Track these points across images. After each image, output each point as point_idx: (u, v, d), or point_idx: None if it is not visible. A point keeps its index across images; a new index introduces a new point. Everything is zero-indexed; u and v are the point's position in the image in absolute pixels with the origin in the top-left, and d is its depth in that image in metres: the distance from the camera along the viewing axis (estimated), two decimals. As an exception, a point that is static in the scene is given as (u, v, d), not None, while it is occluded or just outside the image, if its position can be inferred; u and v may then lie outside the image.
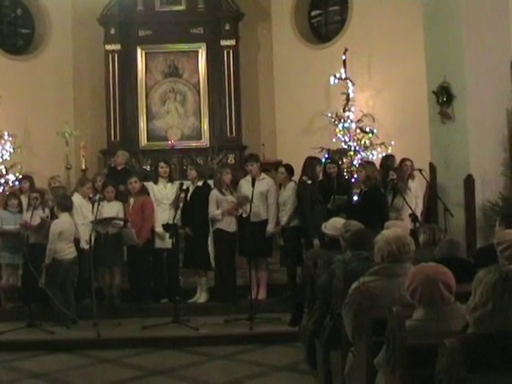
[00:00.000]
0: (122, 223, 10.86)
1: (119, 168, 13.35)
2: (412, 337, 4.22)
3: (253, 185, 10.47)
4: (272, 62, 16.89)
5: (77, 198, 10.96)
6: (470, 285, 3.66)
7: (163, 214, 11.10)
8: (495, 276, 3.52)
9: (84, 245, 10.56)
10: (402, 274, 5.02)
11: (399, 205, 10.94)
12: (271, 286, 11.16)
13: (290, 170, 11.15)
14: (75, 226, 10.61)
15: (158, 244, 11.14)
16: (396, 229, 6.20)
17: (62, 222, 10.37)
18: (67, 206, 10.50)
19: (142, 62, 16.68)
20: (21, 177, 13.29)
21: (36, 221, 10.62)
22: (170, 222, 10.58)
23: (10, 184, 14.03)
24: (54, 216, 10.75)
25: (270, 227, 10.97)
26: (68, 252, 10.36)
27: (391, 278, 5.32)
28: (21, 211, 11.07)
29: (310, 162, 11.14)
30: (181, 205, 10.86)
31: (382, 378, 4.65)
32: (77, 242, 10.62)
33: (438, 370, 3.47)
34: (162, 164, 11.58)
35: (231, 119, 16.41)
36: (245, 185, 11.11)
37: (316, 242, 10.31)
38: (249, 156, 11.76)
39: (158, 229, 11.00)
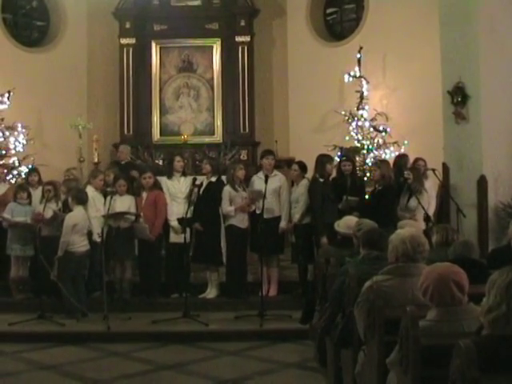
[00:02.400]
0: (133, 218, 10.87)
1: (123, 163, 13.37)
2: (425, 337, 4.21)
3: (266, 181, 10.45)
4: (286, 58, 16.87)
5: (90, 191, 10.98)
6: (484, 286, 3.65)
7: (178, 208, 11.10)
8: (508, 277, 3.52)
9: (96, 238, 10.59)
10: (416, 273, 5.00)
11: (414, 205, 10.85)
12: (282, 282, 11.15)
13: (303, 167, 11.14)
14: (88, 218, 10.65)
15: (173, 238, 11.14)
16: (410, 228, 6.18)
17: (76, 214, 10.39)
18: (83, 200, 10.53)
19: (156, 56, 16.71)
20: (29, 169, 13.31)
21: (49, 213, 10.65)
22: (185, 216, 10.58)
23: (23, 176, 14.04)
24: (66, 209, 10.77)
25: (283, 224, 10.95)
26: (81, 245, 10.39)
27: (405, 277, 5.31)
28: (30, 203, 11.10)
29: (321, 160, 11.11)
30: (195, 200, 10.85)
31: (393, 377, 4.64)
32: (89, 234, 10.65)
33: (452, 370, 3.47)
34: (178, 158, 11.56)
35: (244, 115, 16.41)
36: (257, 181, 11.10)
37: (324, 240, 10.28)
38: (268, 151, 11.68)
39: (174, 223, 11.01)
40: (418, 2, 14.58)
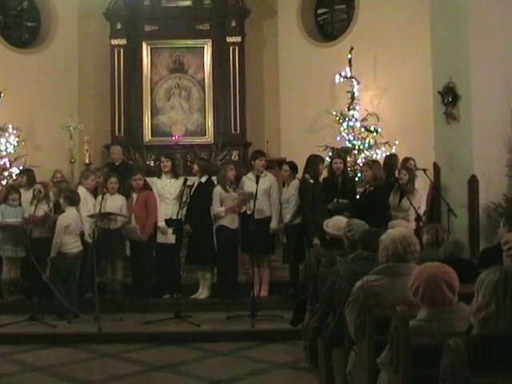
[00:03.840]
0: (126, 219, 10.84)
1: (117, 163, 13.35)
2: (415, 336, 4.22)
3: (257, 181, 10.45)
4: (277, 59, 16.88)
5: (81, 191, 10.97)
6: (474, 286, 3.66)
7: (166, 209, 11.10)
8: (496, 276, 3.55)
9: (88, 238, 10.57)
10: (407, 273, 5.01)
11: (407, 205, 10.87)
12: (273, 283, 11.15)
13: (293, 167, 11.14)
14: (80, 219, 10.63)
15: (160, 239, 11.13)
16: (401, 228, 6.19)
17: (69, 215, 10.38)
18: (75, 200, 10.50)
19: (147, 57, 16.70)
20: (20, 170, 13.32)
21: (40, 214, 10.61)
22: (174, 217, 10.57)
23: (14, 177, 14.04)
24: (57, 210, 10.75)
25: (274, 224, 10.97)
26: (73, 246, 10.37)
27: (396, 277, 5.31)
28: (21, 204, 11.07)
29: (313, 160, 11.12)
30: (188, 200, 10.87)
31: (384, 377, 4.65)
32: (81, 235, 10.62)
33: (442, 369, 3.48)
34: (162, 158, 11.60)
35: (235, 116, 16.41)
36: (247, 182, 11.10)
37: (316, 241, 10.28)
38: (260, 152, 11.70)
39: (161, 223, 11.00)
40: (409, 2, 14.61)
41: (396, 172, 11.35)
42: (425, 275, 4.43)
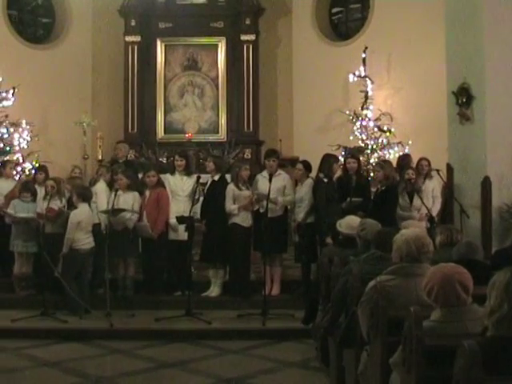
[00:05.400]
0: (136, 215, 10.84)
1: (120, 161, 13.36)
2: (429, 337, 4.20)
3: (270, 180, 10.43)
4: (291, 58, 16.88)
5: (103, 185, 11.11)
6: (487, 287, 3.66)
7: (178, 206, 11.07)
8: (506, 277, 3.55)
9: (104, 229, 10.61)
10: (420, 274, 5.00)
11: (418, 204, 10.89)
12: (285, 282, 11.11)
13: (307, 166, 11.11)
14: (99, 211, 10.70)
15: (172, 236, 11.13)
16: (415, 229, 6.17)
17: (81, 212, 10.40)
18: (87, 197, 10.53)
19: (161, 54, 16.73)
20: (37, 166, 13.36)
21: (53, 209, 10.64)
22: (185, 214, 10.56)
23: (27, 172, 14.08)
24: (70, 206, 10.78)
25: (281, 199, 10.93)
26: (85, 242, 10.38)
27: (409, 277, 5.30)
28: (34, 200, 11.08)
29: (328, 160, 11.10)
30: (201, 198, 10.87)
31: (396, 377, 4.64)
32: (94, 231, 10.63)
33: (456, 371, 3.47)
34: (177, 157, 11.56)
35: (249, 114, 16.42)
36: (261, 180, 11.08)
37: (329, 240, 10.26)
38: (272, 152, 11.62)
39: (172, 220, 10.99)
40: (424, 2, 14.58)
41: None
42: (439, 275, 4.42)
